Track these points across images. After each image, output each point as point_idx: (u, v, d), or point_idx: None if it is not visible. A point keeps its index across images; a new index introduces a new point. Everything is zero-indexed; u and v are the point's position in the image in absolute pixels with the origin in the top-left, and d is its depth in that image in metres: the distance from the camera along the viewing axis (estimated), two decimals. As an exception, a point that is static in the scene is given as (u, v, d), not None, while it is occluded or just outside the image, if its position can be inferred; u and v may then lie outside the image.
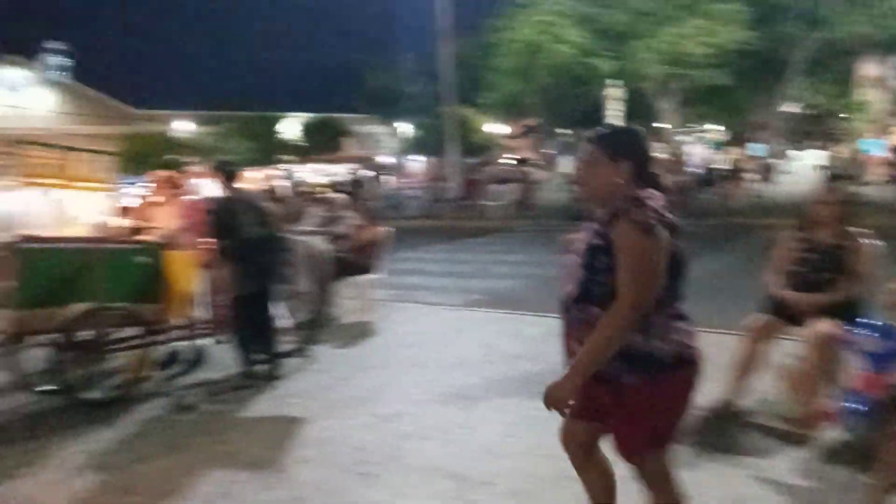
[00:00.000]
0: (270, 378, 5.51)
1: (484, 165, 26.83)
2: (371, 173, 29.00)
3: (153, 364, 5.72)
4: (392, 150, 37.26)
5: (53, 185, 5.21)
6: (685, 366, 2.32)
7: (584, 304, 2.31)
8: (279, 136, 35.16)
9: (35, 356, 5.15)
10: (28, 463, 4.18)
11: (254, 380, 5.48)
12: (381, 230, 8.02)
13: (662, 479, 2.42)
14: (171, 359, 6.03)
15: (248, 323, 5.48)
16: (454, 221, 20.70)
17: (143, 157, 32.54)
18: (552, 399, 2.29)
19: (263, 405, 4.98)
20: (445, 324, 7.29)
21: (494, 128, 32.74)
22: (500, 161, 28.51)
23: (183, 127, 36.28)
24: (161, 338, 5.73)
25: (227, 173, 5.53)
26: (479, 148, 31.63)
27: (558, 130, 33.20)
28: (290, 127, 36.09)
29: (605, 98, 22.29)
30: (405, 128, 35.66)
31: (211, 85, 45.06)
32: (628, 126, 3.37)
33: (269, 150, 32.81)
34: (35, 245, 5.01)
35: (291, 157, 33.16)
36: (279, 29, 65.27)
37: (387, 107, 34.77)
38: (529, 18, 22.52)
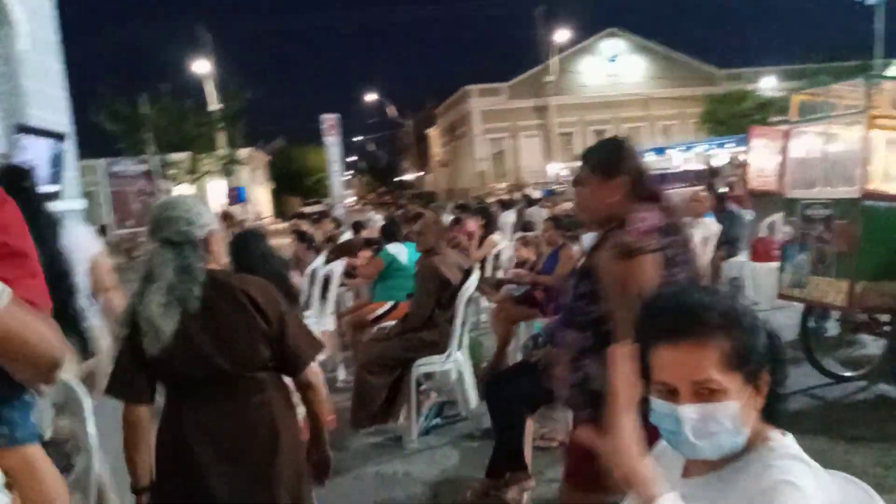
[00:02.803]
0: None
1: None
2: None
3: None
4: None
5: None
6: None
7: (565, 330, 2.17)
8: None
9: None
10: None
11: None
12: None
13: None
14: None
15: None
16: None
17: (728, 117, 32.08)
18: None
19: None
20: None
21: None
22: None
23: (768, 84, 34.29)
24: None
25: None
26: None
27: None
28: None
29: None
30: None
31: (799, 36, 40.99)
32: (616, 138, 2.55)
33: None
34: (879, 203, 4.03)
35: None
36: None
37: None
38: None
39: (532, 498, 3.29)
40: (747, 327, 1.21)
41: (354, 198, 57.06)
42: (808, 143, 4.60)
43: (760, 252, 7.28)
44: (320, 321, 5.90)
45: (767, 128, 5.00)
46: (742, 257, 7.65)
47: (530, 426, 3.22)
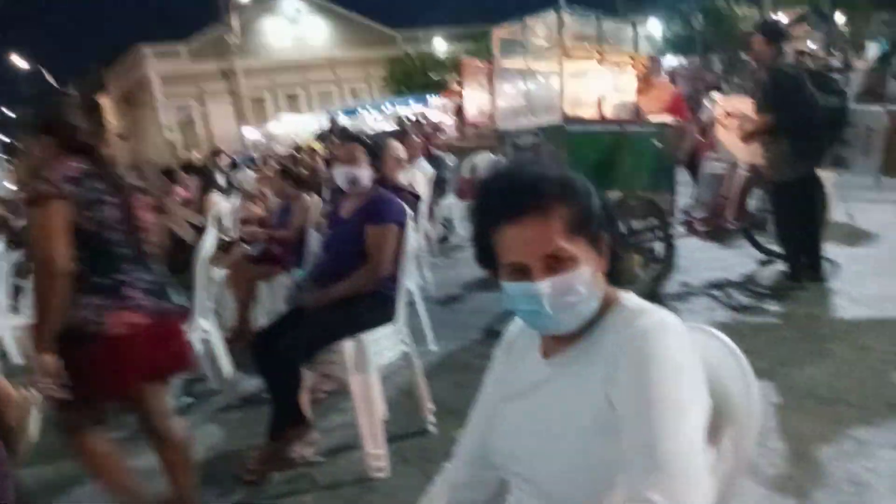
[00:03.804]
0: (817, 279, 4.69)
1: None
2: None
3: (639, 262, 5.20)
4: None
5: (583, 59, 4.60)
6: (90, 341, 2.24)
7: None
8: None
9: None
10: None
11: (798, 280, 4.70)
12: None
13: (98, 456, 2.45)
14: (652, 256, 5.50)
15: (793, 213, 4.65)
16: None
17: (407, 76, 33.84)
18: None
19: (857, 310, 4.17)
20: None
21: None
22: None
23: (441, 45, 36.87)
24: (671, 231, 5.18)
25: (772, 36, 4.62)
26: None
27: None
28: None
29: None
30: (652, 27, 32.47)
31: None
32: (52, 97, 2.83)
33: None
34: (576, 126, 4.57)
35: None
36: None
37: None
38: None
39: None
40: (582, 191, 1.21)
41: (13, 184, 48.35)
42: (511, 77, 5.03)
43: (466, 191, 7.88)
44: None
45: (477, 64, 5.32)
46: (450, 198, 8.22)
47: (307, 378, 3.06)
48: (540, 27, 4.82)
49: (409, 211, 3.18)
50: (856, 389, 3.17)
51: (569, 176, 1.23)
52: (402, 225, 3.10)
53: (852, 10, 24.48)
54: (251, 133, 27.65)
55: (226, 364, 4.04)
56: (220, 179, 10.17)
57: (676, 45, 27.69)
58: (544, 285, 1.14)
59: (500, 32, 5.23)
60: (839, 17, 25.41)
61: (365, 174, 3.14)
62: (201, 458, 3.37)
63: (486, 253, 1.23)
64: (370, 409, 2.92)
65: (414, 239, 3.39)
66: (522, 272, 1.16)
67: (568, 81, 4.64)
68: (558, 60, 4.51)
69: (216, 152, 17.85)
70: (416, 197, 4.24)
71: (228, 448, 3.46)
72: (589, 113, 4.78)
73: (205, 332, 3.90)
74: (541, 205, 1.15)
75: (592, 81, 4.80)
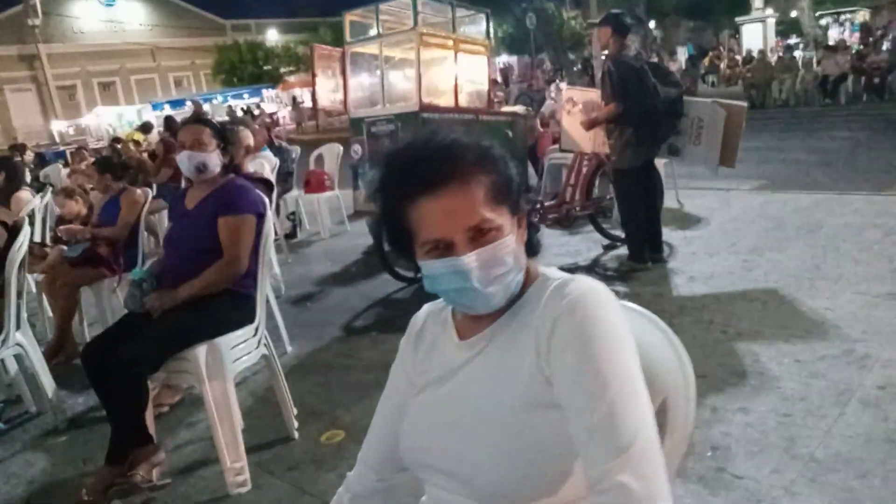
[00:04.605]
0: (658, 260, 4.98)
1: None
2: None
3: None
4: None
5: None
6: None
7: None
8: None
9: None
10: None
11: (642, 262, 4.96)
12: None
13: None
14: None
15: (635, 198, 4.90)
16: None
17: (237, 67, 32.28)
18: None
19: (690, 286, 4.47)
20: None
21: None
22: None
23: (273, 37, 35.52)
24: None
25: (618, 28, 4.79)
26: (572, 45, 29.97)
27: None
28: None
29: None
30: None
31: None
32: None
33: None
34: (433, 114, 4.49)
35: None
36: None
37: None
38: None
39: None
40: (500, 157, 1.10)
41: None
42: (364, 63, 4.84)
43: (313, 184, 7.58)
44: None
45: (328, 51, 5.06)
46: (295, 191, 7.88)
47: (150, 392, 2.70)
48: (391, 12, 4.68)
49: (266, 200, 2.91)
50: (703, 360, 3.36)
51: (484, 142, 1.11)
52: (260, 216, 2.83)
53: (664, 17, 26.89)
54: (60, 125, 25.02)
55: (47, 382, 3.50)
56: (26, 176, 9.03)
57: (510, 44, 28.84)
58: (471, 259, 1.03)
59: (351, 16, 5.01)
60: (652, 23, 27.85)
61: (214, 160, 2.82)
62: (24, 491, 2.90)
63: (397, 233, 1.09)
64: (229, 419, 2.63)
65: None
66: (446, 249, 1.04)
67: (423, 69, 4.55)
68: (414, 48, 4.40)
69: (19, 146, 15.93)
70: (270, 186, 3.93)
71: (57, 478, 2.99)
72: (444, 101, 4.72)
73: (20, 346, 3.34)
74: (461, 173, 1.03)
75: (447, 69, 4.74)
